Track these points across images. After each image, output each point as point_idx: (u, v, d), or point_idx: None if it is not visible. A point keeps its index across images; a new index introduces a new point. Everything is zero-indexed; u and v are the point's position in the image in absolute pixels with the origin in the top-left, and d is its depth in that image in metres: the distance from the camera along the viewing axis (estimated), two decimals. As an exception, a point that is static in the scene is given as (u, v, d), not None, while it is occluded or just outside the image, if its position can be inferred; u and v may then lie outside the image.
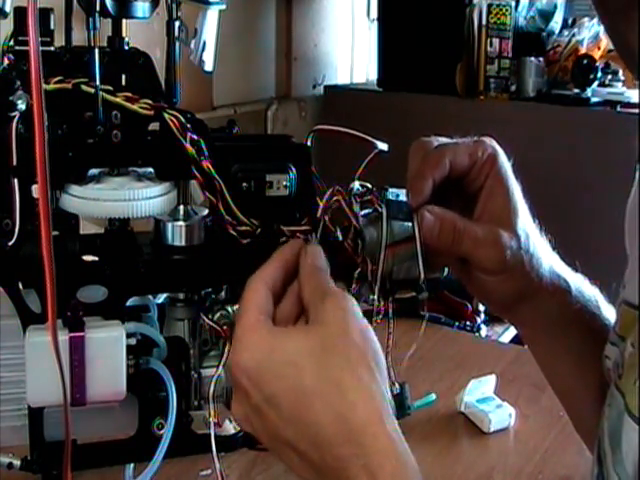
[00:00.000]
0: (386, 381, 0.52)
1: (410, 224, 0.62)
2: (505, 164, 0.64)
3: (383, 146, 0.63)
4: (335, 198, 0.61)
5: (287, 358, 0.51)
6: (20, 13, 0.57)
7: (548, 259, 0.66)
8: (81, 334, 0.57)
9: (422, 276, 0.62)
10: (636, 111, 1.80)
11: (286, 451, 0.52)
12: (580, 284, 0.68)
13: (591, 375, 0.67)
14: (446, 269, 0.69)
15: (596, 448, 0.55)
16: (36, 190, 0.51)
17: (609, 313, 0.68)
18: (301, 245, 0.58)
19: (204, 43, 0.69)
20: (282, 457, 0.53)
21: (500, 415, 1.07)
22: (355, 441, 0.49)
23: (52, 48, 0.61)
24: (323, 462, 0.49)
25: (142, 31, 0.80)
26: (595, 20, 2.10)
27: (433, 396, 0.94)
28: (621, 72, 2.13)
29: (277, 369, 0.51)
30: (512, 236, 0.63)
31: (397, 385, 0.64)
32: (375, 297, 0.62)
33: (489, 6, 2.01)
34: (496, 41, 2.02)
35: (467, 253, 0.62)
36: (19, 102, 0.55)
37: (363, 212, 0.63)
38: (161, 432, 0.63)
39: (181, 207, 0.63)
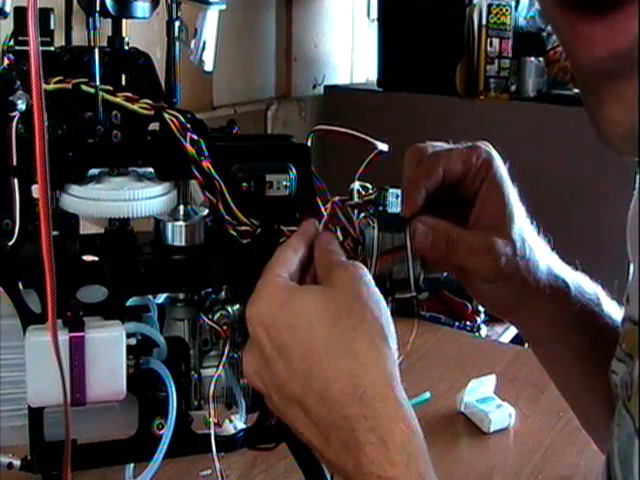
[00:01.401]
0: (396, 352, 0.52)
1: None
2: (500, 169, 0.64)
3: (383, 147, 0.63)
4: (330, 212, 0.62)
5: (301, 311, 0.51)
6: (20, 13, 0.57)
7: (546, 261, 0.66)
8: (81, 334, 0.57)
9: (412, 288, 0.62)
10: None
11: (293, 408, 0.51)
12: (580, 283, 0.68)
13: (594, 374, 0.66)
14: (446, 269, 0.69)
15: (606, 468, 0.54)
16: (36, 190, 0.51)
17: (612, 310, 0.68)
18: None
19: (204, 43, 0.69)
20: (288, 417, 0.52)
21: (500, 415, 1.07)
22: (364, 402, 0.48)
23: (52, 48, 0.61)
24: (330, 420, 0.49)
25: (142, 31, 0.80)
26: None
27: (427, 394, 0.95)
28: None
29: (290, 320, 0.51)
30: (507, 242, 0.62)
31: None
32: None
33: (489, 6, 2.01)
34: (496, 41, 2.02)
35: (461, 262, 0.62)
36: (19, 102, 0.55)
37: (362, 214, 0.63)
38: (161, 432, 0.63)
39: (181, 207, 0.63)
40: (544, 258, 0.66)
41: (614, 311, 0.68)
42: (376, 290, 0.53)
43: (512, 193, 0.64)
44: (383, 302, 0.53)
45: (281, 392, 0.52)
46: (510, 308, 0.67)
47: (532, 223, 0.66)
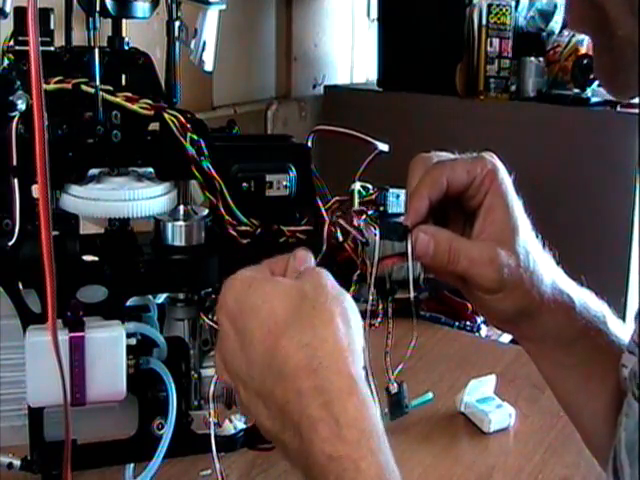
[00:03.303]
0: (362, 338, 0.52)
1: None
2: (505, 180, 0.63)
3: (383, 147, 0.63)
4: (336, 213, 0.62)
5: (263, 295, 0.51)
6: (20, 13, 0.57)
7: (550, 275, 0.65)
8: (81, 334, 0.57)
9: (412, 296, 0.62)
10: (636, 111, 1.80)
11: (254, 399, 0.51)
12: (585, 299, 0.66)
13: (597, 391, 0.66)
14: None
15: (612, 459, 0.54)
16: (36, 190, 0.51)
17: (617, 329, 0.66)
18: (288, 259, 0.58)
19: (204, 43, 0.69)
20: (252, 410, 0.52)
21: (500, 415, 1.07)
22: (319, 374, 0.48)
23: (52, 48, 0.61)
24: (285, 400, 0.48)
25: (142, 31, 0.80)
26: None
27: (430, 395, 0.95)
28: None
29: (252, 302, 0.51)
30: (510, 254, 0.62)
31: (395, 384, 0.64)
32: (370, 302, 0.63)
33: (489, 6, 2.01)
34: (496, 41, 2.02)
35: (464, 272, 0.62)
36: (19, 102, 0.55)
37: (364, 217, 0.63)
38: (161, 432, 0.63)
39: (181, 207, 0.63)
40: (549, 272, 0.65)
41: (620, 330, 0.66)
42: (339, 287, 0.54)
43: (517, 205, 0.64)
44: (348, 295, 0.53)
45: (245, 383, 0.52)
46: (513, 321, 0.66)
47: (537, 237, 0.65)
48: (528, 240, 0.64)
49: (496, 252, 0.61)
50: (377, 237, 0.62)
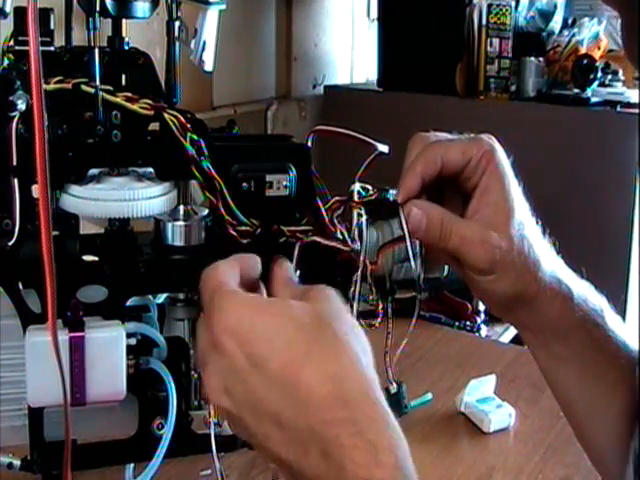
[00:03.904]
0: (371, 355, 0.51)
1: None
2: (502, 162, 0.63)
3: (383, 148, 0.63)
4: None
5: (281, 321, 0.49)
6: (20, 13, 0.57)
7: (549, 262, 0.64)
8: (81, 334, 0.57)
9: (414, 267, 0.62)
10: (636, 111, 1.80)
11: (266, 425, 0.49)
12: (584, 292, 0.66)
13: (591, 385, 0.65)
14: (446, 268, 0.69)
15: (633, 461, 0.53)
16: (36, 190, 0.51)
17: (615, 324, 0.66)
18: (256, 261, 0.57)
19: (204, 43, 0.69)
20: (260, 436, 0.50)
21: (500, 415, 1.07)
22: (351, 406, 0.47)
23: (52, 48, 0.61)
24: (310, 430, 0.47)
25: (142, 31, 0.80)
26: (595, 20, 2.10)
27: (429, 395, 0.95)
28: (621, 72, 2.13)
29: (268, 330, 0.49)
30: (503, 236, 0.61)
31: (395, 385, 0.64)
32: (358, 292, 0.62)
33: (489, 6, 2.01)
34: (496, 41, 2.02)
35: (455, 250, 0.61)
36: (19, 102, 0.55)
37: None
38: (161, 432, 0.63)
39: (181, 207, 0.63)
40: (547, 259, 0.64)
41: (618, 326, 0.66)
42: (344, 307, 0.53)
43: (514, 187, 0.63)
44: (349, 314, 0.52)
45: (255, 409, 0.49)
46: (509, 307, 0.65)
47: (537, 224, 0.65)
48: (525, 224, 0.63)
49: (487, 233, 0.61)
50: (363, 220, 0.61)
